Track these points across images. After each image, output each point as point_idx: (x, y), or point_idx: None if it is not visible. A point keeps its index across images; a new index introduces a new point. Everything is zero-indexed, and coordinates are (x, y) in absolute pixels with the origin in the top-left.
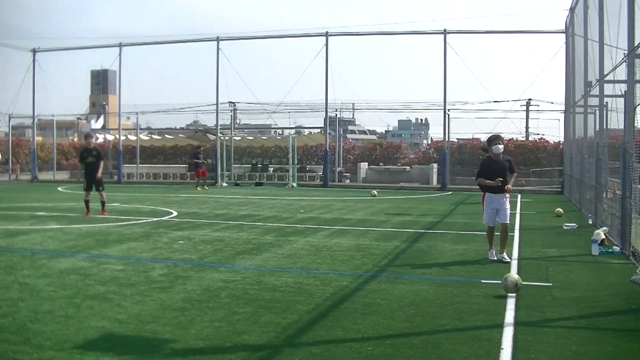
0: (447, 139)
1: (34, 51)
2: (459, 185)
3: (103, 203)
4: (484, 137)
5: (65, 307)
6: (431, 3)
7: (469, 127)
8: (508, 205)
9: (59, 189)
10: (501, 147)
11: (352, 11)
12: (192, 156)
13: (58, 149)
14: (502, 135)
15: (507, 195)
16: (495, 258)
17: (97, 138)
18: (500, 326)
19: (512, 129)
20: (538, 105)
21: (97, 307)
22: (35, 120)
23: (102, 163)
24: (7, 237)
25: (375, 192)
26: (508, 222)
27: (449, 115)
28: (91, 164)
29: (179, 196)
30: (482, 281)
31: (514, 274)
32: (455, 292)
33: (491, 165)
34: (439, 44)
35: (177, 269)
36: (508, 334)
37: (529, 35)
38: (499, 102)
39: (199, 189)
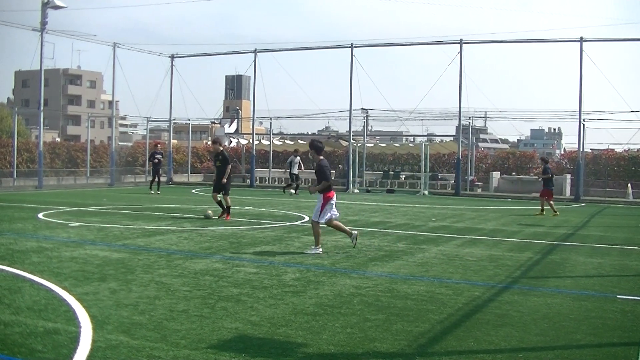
0: (581, 149)
1: (172, 57)
2: (593, 197)
3: (228, 208)
4: (619, 148)
5: (200, 307)
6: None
7: (605, 137)
8: None
9: (193, 191)
10: None
11: (487, 18)
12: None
13: (192, 152)
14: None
15: None
16: None
17: (231, 142)
18: (638, 344)
19: None
20: None
21: (230, 308)
22: (172, 124)
23: (228, 168)
24: (145, 236)
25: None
26: None
27: (584, 125)
28: (218, 169)
29: (311, 201)
30: (618, 296)
31: None
32: (590, 307)
33: None
34: (575, 52)
35: (309, 273)
36: None
37: None
38: (637, 112)
39: None
